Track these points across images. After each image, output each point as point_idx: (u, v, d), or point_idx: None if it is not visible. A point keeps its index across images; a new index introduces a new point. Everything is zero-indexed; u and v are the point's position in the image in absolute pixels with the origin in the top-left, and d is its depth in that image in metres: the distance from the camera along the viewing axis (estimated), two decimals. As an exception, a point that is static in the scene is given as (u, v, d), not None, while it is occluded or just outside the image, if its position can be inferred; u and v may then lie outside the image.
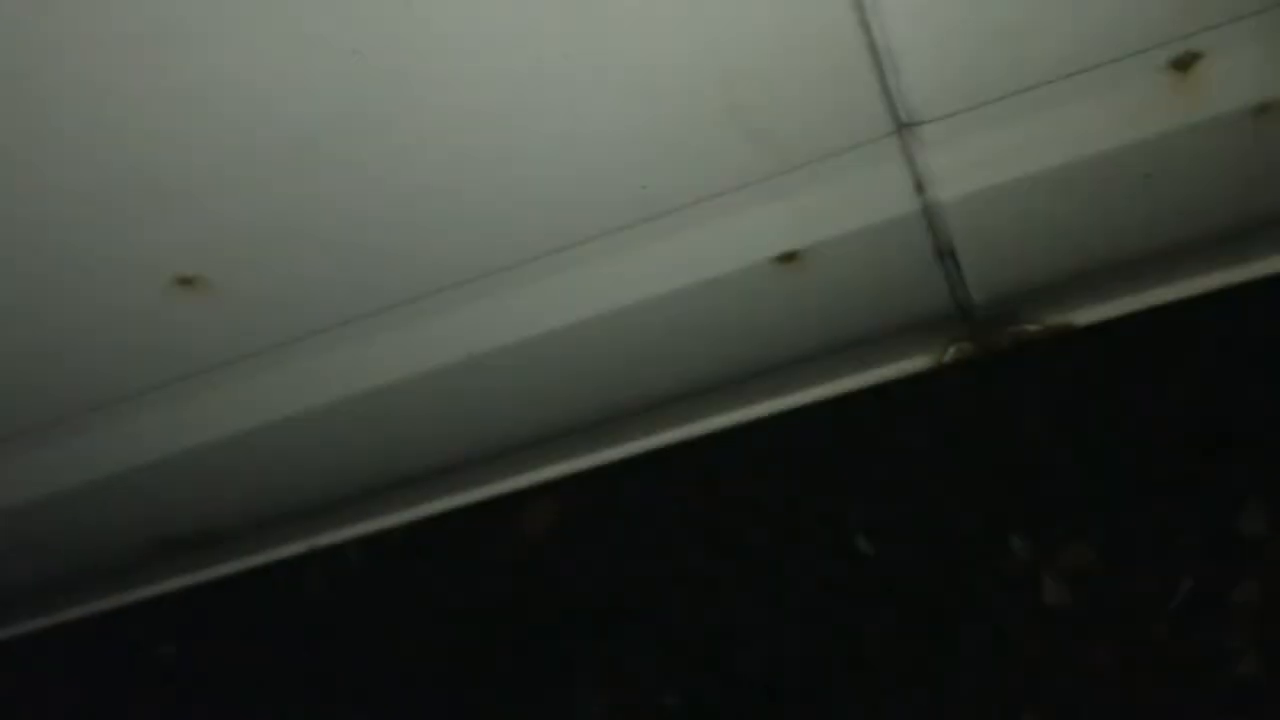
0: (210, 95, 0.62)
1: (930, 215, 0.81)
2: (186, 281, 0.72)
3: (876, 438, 1.49)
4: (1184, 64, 0.72)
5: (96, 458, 0.93)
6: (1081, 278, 0.97)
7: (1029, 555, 1.42)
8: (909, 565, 1.47)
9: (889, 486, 1.49)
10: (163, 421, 0.90)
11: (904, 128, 0.72)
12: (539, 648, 1.57)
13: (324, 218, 0.74)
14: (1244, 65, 0.72)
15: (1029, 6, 0.66)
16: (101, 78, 0.60)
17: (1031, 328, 1.08)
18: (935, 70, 0.68)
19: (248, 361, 0.87)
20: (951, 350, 1.09)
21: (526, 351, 0.90)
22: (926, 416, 1.46)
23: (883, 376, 1.11)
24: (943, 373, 1.10)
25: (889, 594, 1.47)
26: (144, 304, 0.74)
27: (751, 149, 0.70)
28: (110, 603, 1.19)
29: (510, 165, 0.70)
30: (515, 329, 0.86)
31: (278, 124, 0.65)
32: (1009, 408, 1.43)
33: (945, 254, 0.88)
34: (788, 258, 0.82)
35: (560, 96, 0.65)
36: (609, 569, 1.56)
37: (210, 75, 0.61)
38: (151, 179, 0.66)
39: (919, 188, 0.78)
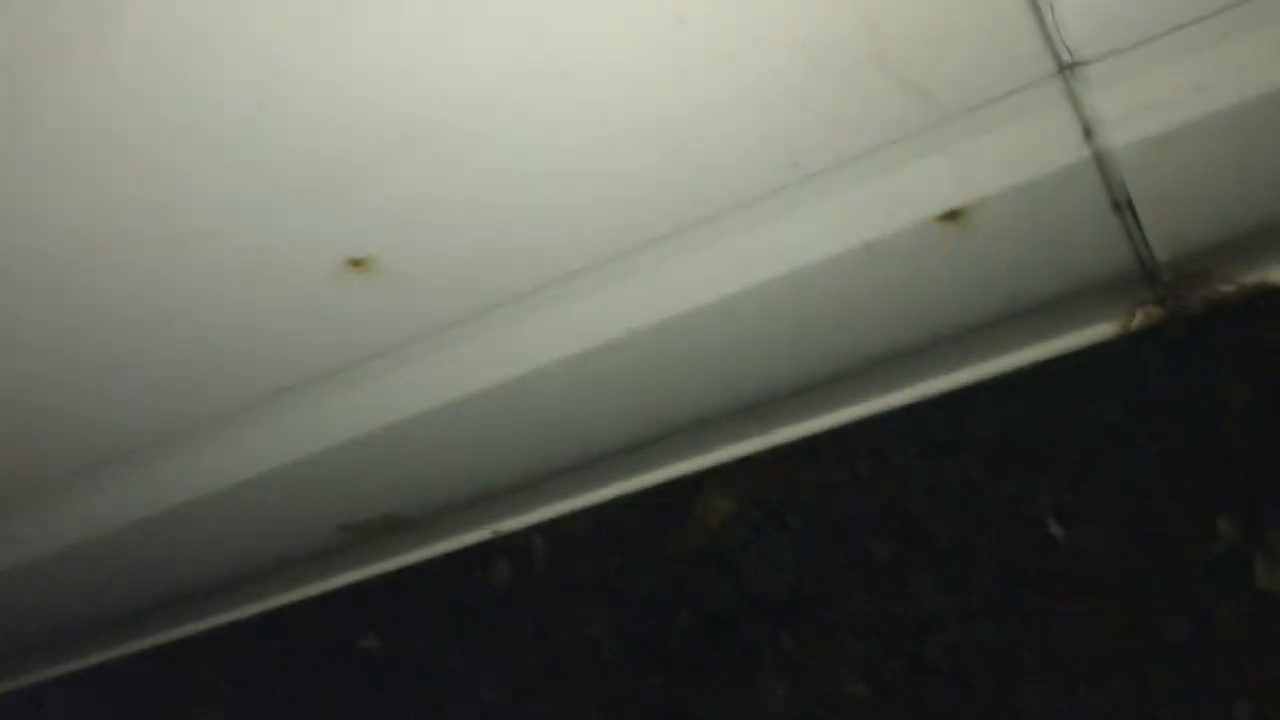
0: (371, 74, 0.64)
1: (1102, 163, 0.77)
2: (357, 263, 0.75)
3: (1064, 413, 1.43)
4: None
5: (278, 446, 0.97)
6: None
7: (1237, 537, 1.33)
8: (1104, 550, 1.40)
9: (1080, 466, 1.42)
10: (343, 406, 0.94)
11: (1067, 68, 0.69)
12: (720, 636, 1.56)
13: (495, 191, 0.76)
14: None
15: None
16: (266, 60, 0.63)
17: (1225, 288, 1.01)
18: (1098, 1, 0.65)
19: (424, 342, 0.90)
20: (1139, 315, 1.03)
21: (687, 327, 0.90)
22: (1117, 388, 1.39)
23: (1065, 346, 1.06)
24: (1131, 340, 1.04)
25: (1082, 579, 1.40)
26: (316, 288, 0.77)
27: (904, 100, 0.68)
28: (307, 591, 1.24)
29: (664, 130, 0.70)
30: (673, 302, 0.86)
31: (441, 98, 0.67)
32: (1207, 376, 1.35)
33: (1122, 206, 0.84)
34: (951, 216, 0.79)
35: (700, 56, 0.65)
36: (788, 557, 1.54)
37: (371, 52, 0.63)
38: (318, 161, 0.69)
39: (1087, 133, 0.74)
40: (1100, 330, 1.03)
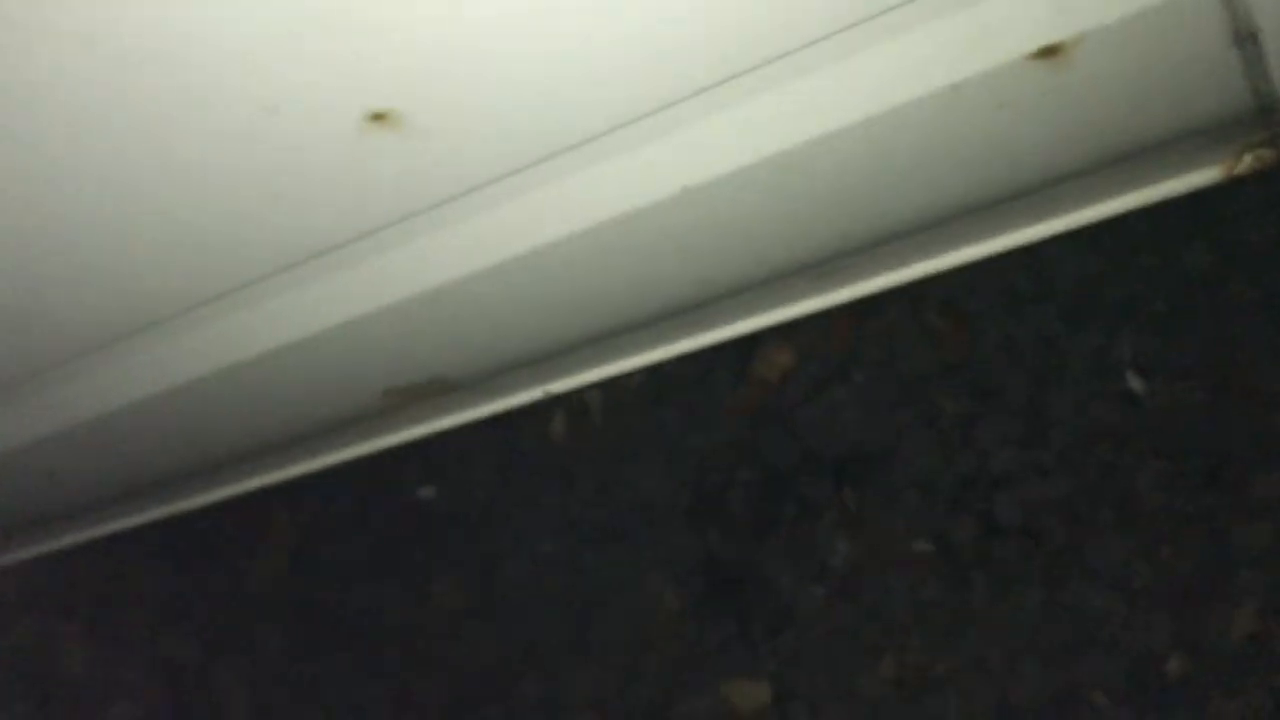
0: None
1: (1228, -11, 0.67)
2: (379, 117, 0.68)
3: (1154, 264, 1.34)
4: None
5: (315, 311, 0.93)
6: None
7: (1335, 392, 1.25)
8: (1188, 404, 1.33)
9: (1166, 317, 1.34)
10: (380, 269, 0.89)
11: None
12: (780, 492, 1.53)
13: (532, 39, 0.68)
14: None
15: None
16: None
17: (1347, 129, 0.91)
18: None
19: (465, 201, 0.84)
20: (1247, 159, 0.94)
21: (749, 181, 0.82)
22: (1215, 237, 1.29)
23: (1163, 193, 0.97)
24: (1235, 186, 0.94)
25: (1164, 435, 1.33)
26: (339, 145, 0.71)
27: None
28: (359, 450, 1.22)
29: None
30: (733, 156, 0.78)
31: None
32: (1315, 224, 1.25)
33: (1245, 39, 0.74)
34: (1048, 52, 0.70)
35: None
36: (852, 413, 1.49)
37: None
38: (340, 9, 0.61)
39: (1214, -47, 0.64)
40: (1204, 175, 0.94)
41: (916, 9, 0.66)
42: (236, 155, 0.73)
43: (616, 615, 1.64)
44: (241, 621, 1.98)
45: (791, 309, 1.17)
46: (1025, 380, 1.41)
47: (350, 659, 1.84)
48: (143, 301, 0.99)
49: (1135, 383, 1.36)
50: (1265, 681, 1.20)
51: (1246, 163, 0.93)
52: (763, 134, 0.76)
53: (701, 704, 1.54)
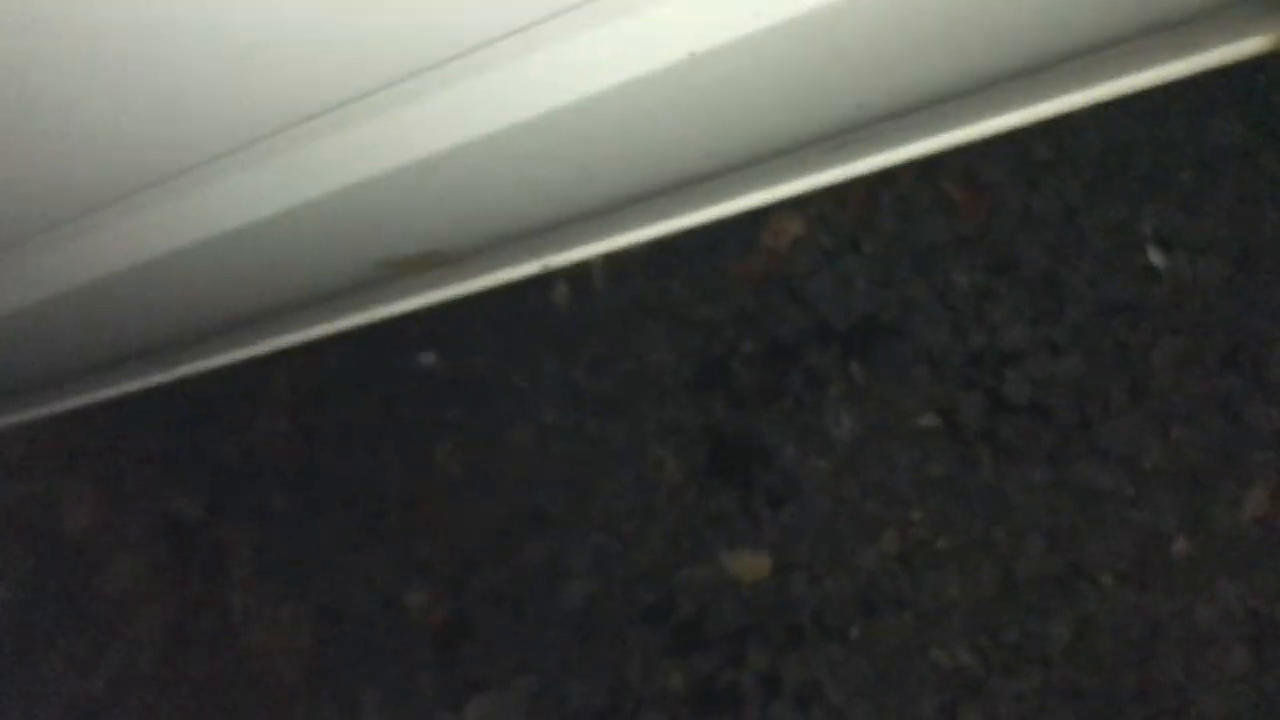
0: None
1: None
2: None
3: (1181, 136, 1.28)
4: None
5: (309, 174, 0.88)
6: None
7: (1364, 270, 1.21)
8: (1209, 281, 1.29)
9: (1190, 191, 1.28)
10: (373, 134, 0.84)
11: None
12: (786, 363, 1.50)
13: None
14: None
15: None
16: None
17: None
18: None
19: (459, 63, 0.78)
20: (1293, 28, 0.88)
21: (767, 41, 0.77)
22: (1246, 111, 1.23)
23: (1196, 66, 0.91)
24: (1272, 58, 0.89)
25: (1183, 312, 1.30)
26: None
27: None
28: (348, 323, 1.19)
29: None
30: (754, 15, 0.72)
31: None
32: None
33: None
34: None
35: None
36: (863, 285, 1.45)
37: None
38: None
39: None
40: (1249, 45, 0.88)
41: None
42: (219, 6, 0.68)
43: (619, 484, 1.63)
44: (244, 482, 1.98)
45: (805, 181, 1.12)
46: (1042, 253, 1.37)
47: (352, 521, 1.85)
48: (137, 164, 0.95)
49: (1156, 257, 1.31)
50: (1272, 564, 1.19)
51: (1293, 32, 0.88)
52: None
53: (702, 573, 1.55)
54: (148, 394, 1.82)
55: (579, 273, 1.68)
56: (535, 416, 1.71)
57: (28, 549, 2.18)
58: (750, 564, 1.51)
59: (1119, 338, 1.31)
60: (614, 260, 1.66)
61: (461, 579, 1.74)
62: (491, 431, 1.74)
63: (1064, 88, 0.97)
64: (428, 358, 1.81)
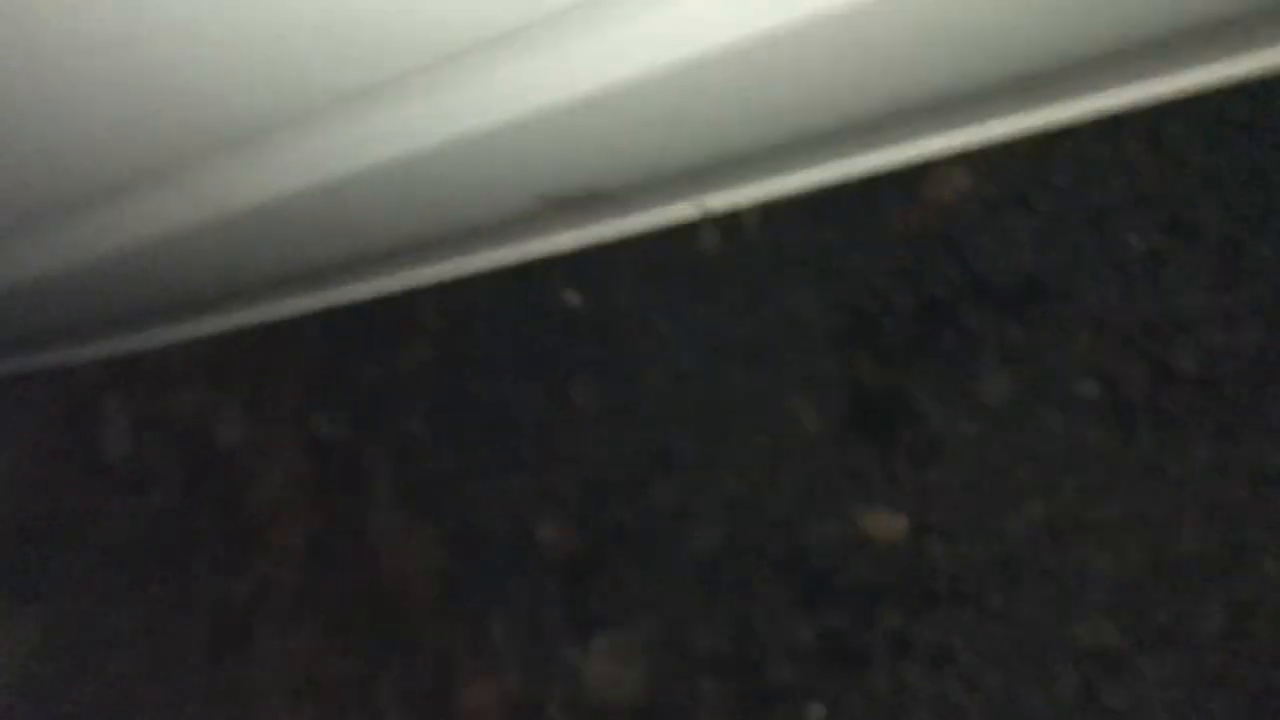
0: None
1: None
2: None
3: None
4: None
5: (475, 107, 0.87)
6: None
7: None
8: None
9: (1402, 159, 1.19)
10: (542, 68, 0.83)
11: None
12: (940, 321, 1.45)
13: None
14: None
15: None
16: None
17: None
18: None
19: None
20: None
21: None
22: None
23: None
24: None
25: (1379, 290, 1.21)
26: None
27: None
28: (506, 257, 1.19)
29: None
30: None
31: None
32: None
33: None
34: None
35: None
36: (1029, 243, 1.39)
37: None
38: None
39: None
40: None
41: None
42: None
43: (754, 432, 1.61)
44: (387, 407, 2.02)
45: (976, 132, 1.07)
46: (1225, 218, 1.29)
47: (489, 450, 1.88)
48: (305, 90, 0.96)
49: (1353, 229, 1.22)
50: None
51: None
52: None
53: (834, 528, 1.52)
54: (299, 319, 1.87)
55: (730, 219, 1.65)
56: (674, 359, 1.70)
57: (181, 460, 2.28)
58: (887, 523, 1.48)
59: (1304, 311, 1.23)
60: (767, 207, 1.63)
61: (592, 515, 1.75)
62: (629, 372, 1.74)
63: (1261, 44, 0.90)
64: (572, 297, 1.81)
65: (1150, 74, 0.98)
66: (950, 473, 1.43)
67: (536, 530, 1.81)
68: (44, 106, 0.92)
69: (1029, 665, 1.34)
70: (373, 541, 2.04)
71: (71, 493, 2.44)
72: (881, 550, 1.47)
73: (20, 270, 1.39)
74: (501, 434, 1.87)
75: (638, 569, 1.69)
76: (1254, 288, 1.26)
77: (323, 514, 2.11)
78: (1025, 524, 1.36)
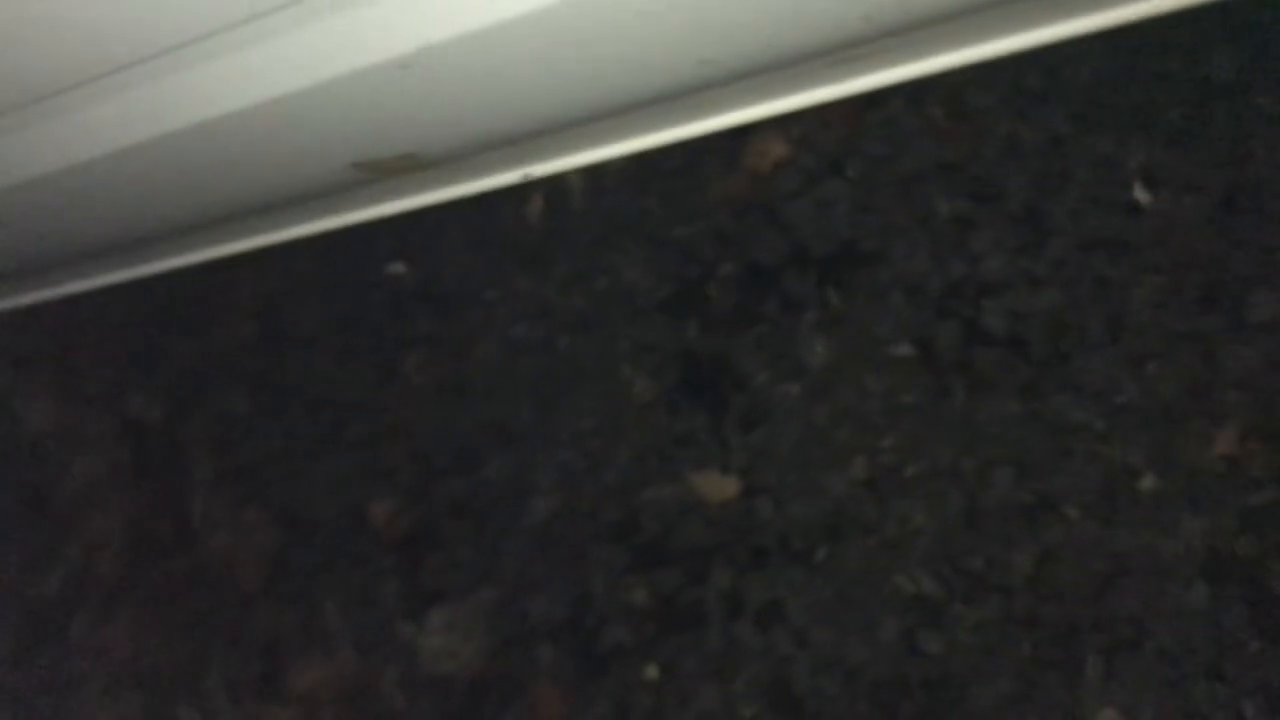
0: None
1: None
2: None
3: (1174, 70, 1.26)
4: None
5: (284, 67, 0.84)
6: None
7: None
8: (1193, 219, 1.28)
9: (1183, 128, 1.27)
10: (352, 27, 0.80)
11: None
12: (763, 287, 1.49)
13: None
14: None
15: None
16: None
17: None
18: None
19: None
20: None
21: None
22: (1243, 46, 1.21)
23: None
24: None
25: (1164, 250, 1.29)
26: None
27: None
28: (323, 225, 1.16)
29: None
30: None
31: None
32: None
33: None
34: None
35: None
36: (844, 209, 1.43)
37: None
38: None
39: None
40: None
41: None
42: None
43: (588, 401, 1.62)
44: (207, 385, 1.95)
45: (793, 99, 1.09)
46: (1026, 184, 1.35)
47: (317, 429, 1.83)
48: (104, 48, 0.91)
49: (1141, 194, 1.30)
50: (1236, 502, 1.20)
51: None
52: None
53: (668, 492, 1.54)
54: (108, 292, 1.78)
55: (555, 187, 1.65)
56: (505, 330, 1.69)
57: (-16, 445, 2.15)
58: (718, 485, 1.51)
59: (1099, 273, 1.30)
60: (592, 175, 1.63)
61: (425, 490, 1.73)
62: (460, 344, 1.72)
63: (1057, 15, 0.95)
64: (397, 267, 1.78)
65: (953, 44, 1.02)
66: (777, 434, 1.46)
67: (368, 508, 1.78)
68: None
69: (854, 617, 1.39)
70: (195, 527, 1.97)
71: None
72: (713, 512, 1.50)
73: None
74: (329, 411, 1.82)
75: (474, 542, 1.68)
76: (1054, 251, 1.33)
77: (140, 501, 2.02)
78: (848, 482, 1.41)
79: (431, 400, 1.73)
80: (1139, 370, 1.27)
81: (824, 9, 0.84)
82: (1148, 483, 1.25)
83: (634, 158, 1.47)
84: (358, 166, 1.00)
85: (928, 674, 1.33)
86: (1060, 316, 1.32)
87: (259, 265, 1.88)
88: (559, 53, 0.89)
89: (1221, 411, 1.22)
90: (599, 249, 1.61)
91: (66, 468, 2.09)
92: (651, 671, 1.52)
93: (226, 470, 1.93)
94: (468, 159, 1.05)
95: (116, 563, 2.02)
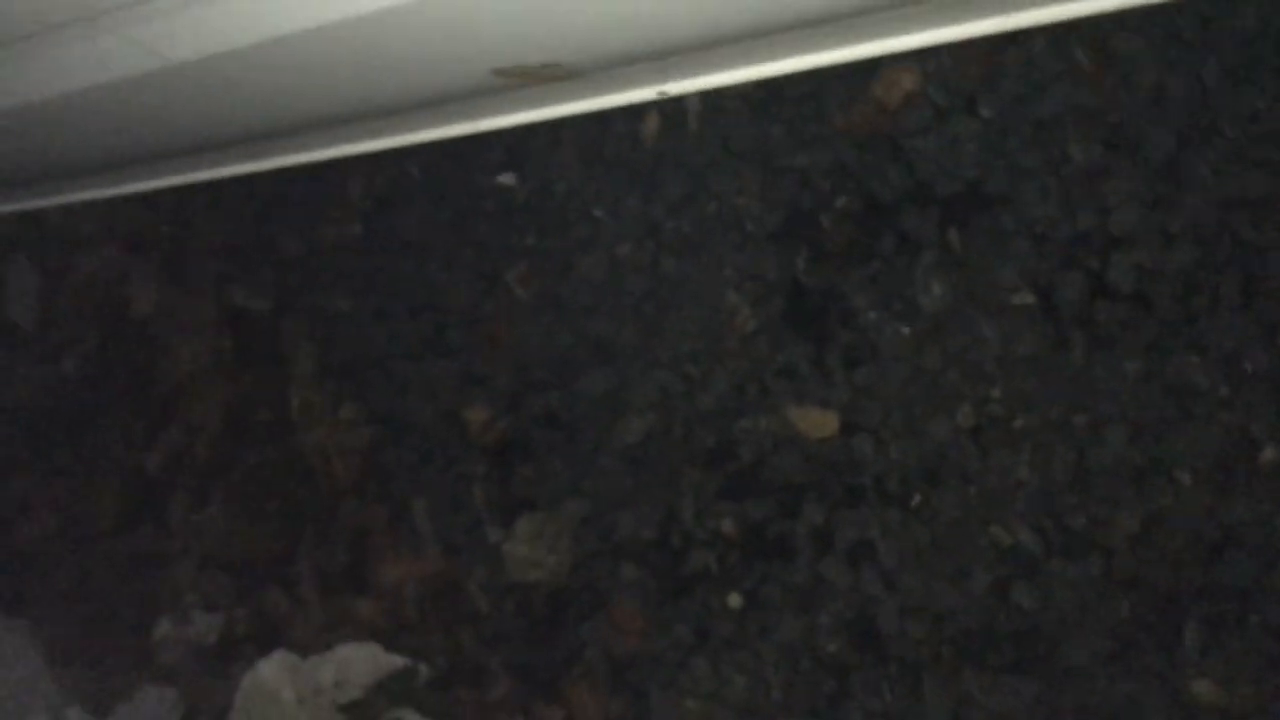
0: None
1: None
2: None
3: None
4: None
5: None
6: None
7: None
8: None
9: (1346, 87, 1.21)
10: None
11: None
12: (880, 223, 1.46)
13: None
14: None
15: None
16: None
17: None
18: None
19: None
20: None
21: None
22: None
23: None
24: None
25: (1310, 216, 1.24)
26: None
27: None
28: (454, 130, 1.15)
29: None
30: None
31: None
32: None
33: None
34: None
35: None
36: (972, 149, 1.39)
37: None
38: None
39: None
40: None
41: None
42: None
43: (689, 325, 1.61)
44: (311, 281, 1.98)
45: (928, 35, 1.06)
46: (1168, 136, 1.30)
47: (417, 332, 1.85)
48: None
49: (1292, 154, 1.24)
50: (1362, 483, 1.16)
51: None
52: None
53: (766, 424, 1.54)
54: (219, 185, 1.80)
55: (672, 107, 1.62)
56: (610, 248, 1.68)
57: (94, 326, 2.21)
58: (817, 420, 1.50)
59: (1238, 233, 1.25)
60: (710, 97, 1.60)
61: (521, 400, 1.74)
62: (565, 258, 1.72)
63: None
64: (508, 178, 1.77)
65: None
66: (882, 374, 1.45)
67: (463, 413, 1.80)
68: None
69: (945, 563, 1.38)
70: (292, 418, 2.01)
71: (-27, 354, 2.36)
72: (811, 447, 1.49)
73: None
74: (430, 316, 1.84)
75: (565, 455, 1.70)
76: (1191, 207, 1.28)
77: (240, 388, 2.07)
78: (953, 428, 1.39)
79: (532, 312, 1.74)
80: (1271, 339, 1.23)
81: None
82: (1269, 455, 1.22)
83: (758, 82, 1.44)
84: (499, 73, 0.99)
85: (1018, 626, 1.32)
86: (1192, 276, 1.27)
87: (370, 167, 1.88)
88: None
89: (1356, 388, 1.18)
90: (712, 173, 1.58)
91: (171, 352, 2.14)
92: (734, 599, 1.53)
93: (326, 366, 1.96)
94: (607, 71, 1.03)
95: (214, 447, 2.08)
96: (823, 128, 1.50)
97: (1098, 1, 1.04)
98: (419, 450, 1.84)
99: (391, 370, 1.89)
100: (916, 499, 1.41)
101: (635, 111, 1.67)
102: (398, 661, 1.81)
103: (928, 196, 1.43)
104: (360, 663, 1.84)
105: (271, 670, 1.85)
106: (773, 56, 1.08)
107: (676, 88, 1.05)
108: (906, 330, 1.43)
